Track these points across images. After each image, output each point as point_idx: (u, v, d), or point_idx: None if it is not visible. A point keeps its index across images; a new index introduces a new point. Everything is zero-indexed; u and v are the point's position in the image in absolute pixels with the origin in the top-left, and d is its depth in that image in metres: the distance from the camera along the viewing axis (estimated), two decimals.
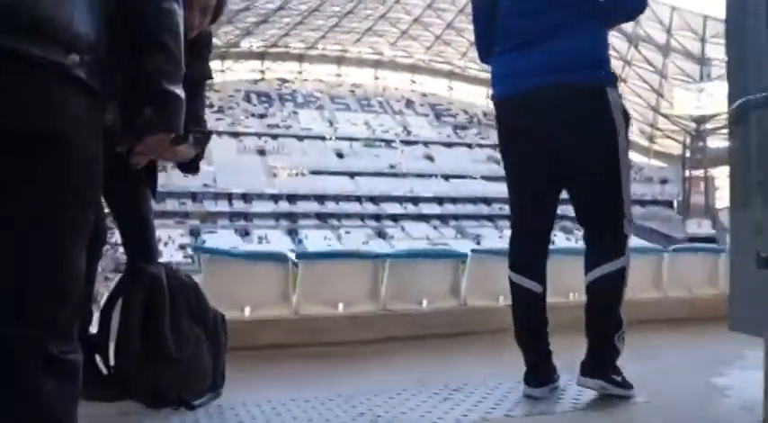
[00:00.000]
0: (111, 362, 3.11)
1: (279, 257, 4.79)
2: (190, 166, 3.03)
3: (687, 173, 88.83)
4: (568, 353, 3.20)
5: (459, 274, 5.38)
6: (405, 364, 4.20)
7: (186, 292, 3.14)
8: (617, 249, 3.12)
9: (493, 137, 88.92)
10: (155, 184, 3.13)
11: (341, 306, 4.86)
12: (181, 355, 3.00)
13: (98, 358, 3.04)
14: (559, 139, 3.14)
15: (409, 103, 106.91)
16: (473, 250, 5.41)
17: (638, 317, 3.81)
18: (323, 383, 3.55)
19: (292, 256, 5.32)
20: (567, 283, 4.96)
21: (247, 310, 4.57)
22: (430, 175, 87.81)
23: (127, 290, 3.12)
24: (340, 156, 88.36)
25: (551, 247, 3.83)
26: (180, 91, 1.68)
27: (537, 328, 3.23)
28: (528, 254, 3.37)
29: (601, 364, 3.03)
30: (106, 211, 3.41)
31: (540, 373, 3.17)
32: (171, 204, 72.12)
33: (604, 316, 3.10)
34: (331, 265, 5.05)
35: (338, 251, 5.22)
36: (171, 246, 65.44)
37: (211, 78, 3.22)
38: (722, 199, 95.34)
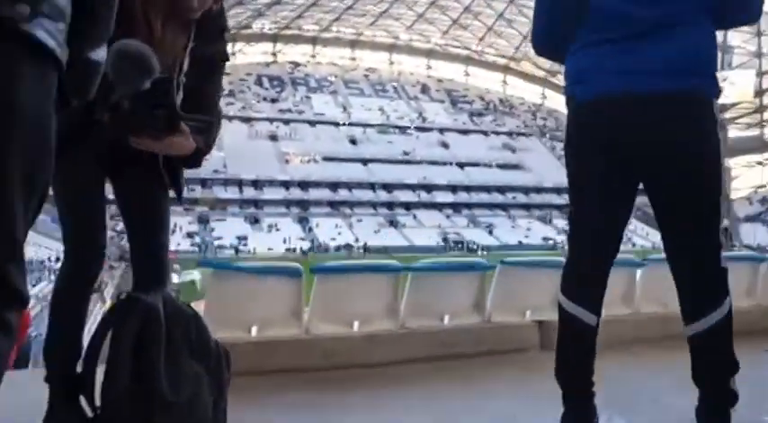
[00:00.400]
0: (98, 402, 2.68)
1: (291, 272, 4.40)
2: (192, 160, 2.61)
3: None
4: (602, 382, 2.84)
5: (484, 288, 4.98)
6: (424, 396, 3.79)
7: (186, 324, 2.73)
8: (721, 289, 2.63)
9: (509, 124, 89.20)
10: (178, 184, 2.81)
11: (356, 324, 4.48)
12: (178, 397, 2.59)
13: (82, 398, 2.61)
14: (659, 158, 2.61)
15: (425, 89, 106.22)
16: (502, 261, 4.99)
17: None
18: (333, 418, 3.30)
19: (304, 262, 4.94)
20: None
21: (254, 330, 4.18)
22: (444, 163, 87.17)
23: (118, 321, 2.68)
24: (353, 142, 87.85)
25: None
26: (95, 54, 1.55)
27: (584, 365, 2.81)
28: (587, 279, 2.84)
29: (720, 412, 2.63)
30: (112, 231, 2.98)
31: (579, 417, 2.76)
32: None
33: (716, 365, 2.67)
34: (348, 278, 4.66)
35: (356, 264, 4.84)
36: (178, 233, 65.23)
37: (227, 60, 2.87)
38: (737, 189, 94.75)
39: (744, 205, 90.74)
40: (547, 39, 2.86)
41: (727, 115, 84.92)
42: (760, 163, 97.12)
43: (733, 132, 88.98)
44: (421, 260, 5.08)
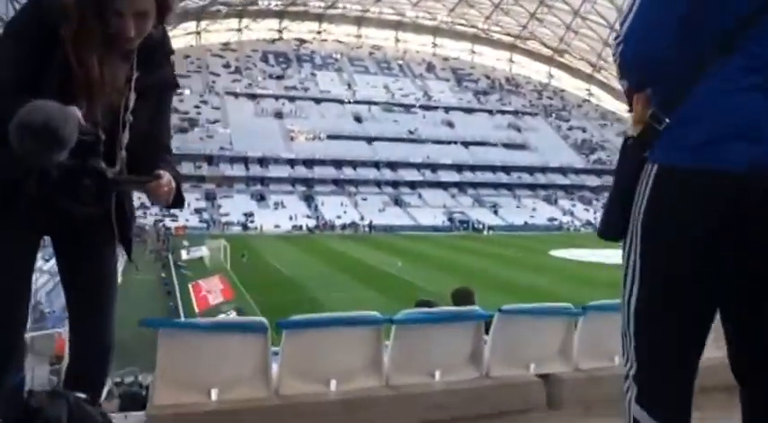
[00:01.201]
0: None
1: (255, 328, 3.89)
2: (176, 202, 2.37)
3: None
4: None
5: (480, 339, 4.25)
6: None
7: None
8: None
9: (515, 103, 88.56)
10: (128, 240, 2.46)
11: (333, 384, 3.83)
12: None
13: None
14: None
15: (430, 67, 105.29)
16: (500, 310, 4.45)
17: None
18: None
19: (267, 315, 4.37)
20: (608, 345, 4.17)
21: (214, 394, 3.57)
22: (449, 142, 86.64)
23: None
24: (358, 120, 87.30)
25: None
26: None
27: None
28: (670, 394, 2.14)
29: None
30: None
31: None
32: (186, 167, 71.59)
33: None
34: (320, 333, 3.94)
35: (330, 317, 4.27)
36: (186, 210, 65.13)
37: (177, 87, 2.56)
38: None
39: None
40: (659, 64, 1.88)
41: None
42: None
43: None
44: (409, 313, 4.31)
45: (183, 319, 26.00)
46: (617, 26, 2.12)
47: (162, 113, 2.50)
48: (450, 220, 72.41)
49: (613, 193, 2.09)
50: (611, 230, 2.15)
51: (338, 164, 78.29)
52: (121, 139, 2.27)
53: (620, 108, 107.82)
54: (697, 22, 1.80)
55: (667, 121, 1.84)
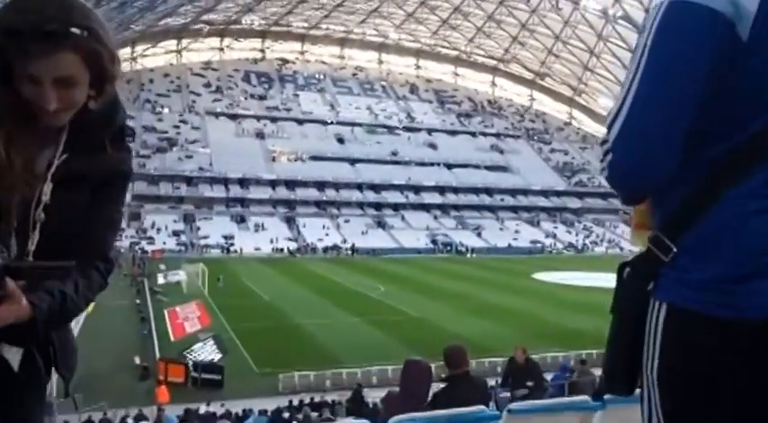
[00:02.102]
0: None
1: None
2: (26, 335, 1.58)
3: None
4: None
5: None
6: None
7: None
8: None
9: (497, 125, 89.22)
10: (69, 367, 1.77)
11: None
12: None
13: None
14: None
15: (413, 89, 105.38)
16: (509, 410, 3.74)
17: None
18: None
19: None
20: None
21: None
22: (432, 164, 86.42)
23: None
24: (341, 141, 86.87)
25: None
26: None
27: None
28: None
29: None
30: None
31: None
32: (164, 188, 70.71)
33: None
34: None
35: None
36: (164, 232, 64.24)
37: (125, 176, 1.81)
38: None
39: None
40: (661, 166, 1.37)
41: None
42: None
43: None
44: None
45: (156, 346, 25.20)
46: (612, 113, 1.51)
47: (98, 212, 1.77)
48: (434, 242, 71.94)
49: (616, 338, 1.49)
50: (617, 386, 1.52)
51: (320, 185, 77.64)
52: (29, 243, 1.64)
53: (601, 131, 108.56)
54: (709, 133, 1.37)
55: (674, 249, 1.40)
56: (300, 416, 15.19)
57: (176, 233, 64.99)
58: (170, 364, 22.12)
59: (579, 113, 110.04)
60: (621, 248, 78.72)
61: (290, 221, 72.18)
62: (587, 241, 78.91)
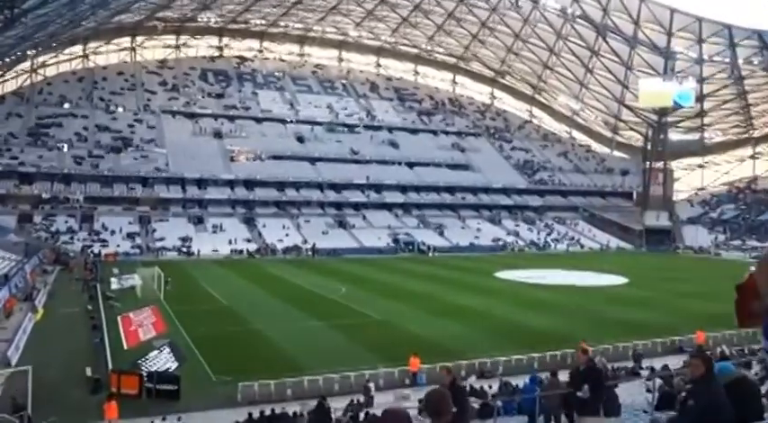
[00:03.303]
0: None
1: None
2: None
3: (647, 165, 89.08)
4: None
5: None
6: None
7: None
8: None
9: (458, 123, 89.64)
10: None
11: None
12: None
13: None
14: None
15: (374, 87, 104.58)
16: None
17: None
18: None
19: None
20: None
21: None
22: (393, 162, 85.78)
23: None
24: (300, 140, 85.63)
25: None
26: None
27: None
28: None
29: None
30: None
31: None
32: (118, 189, 68.71)
33: None
34: None
35: None
36: (118, 235, 62.34)
37: None
38: (679, 191, 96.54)
39: (685, 207, 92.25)
40: None
41: (669, 119, 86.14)
42: (700, 166, 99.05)
43: (675, 136, 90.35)
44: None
45: (108, 356, 24.05)
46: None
47: None
48: (395, 241, 71.35)
49: None
50: None
51: (280, 185, 76.40)
52: None
53: (561, 129, 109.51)
54: None
55: None
56: None
57: (131, 235, 63.23)
58: (123, 375, 21.02)
59: (539, 111, 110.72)
60: (582, 245, 79.29)
61: (249, 222, 70.87)
62: (549, 239, 79.17)
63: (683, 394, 8.92)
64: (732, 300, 2.83)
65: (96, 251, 57.57)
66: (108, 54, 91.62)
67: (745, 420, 4.36)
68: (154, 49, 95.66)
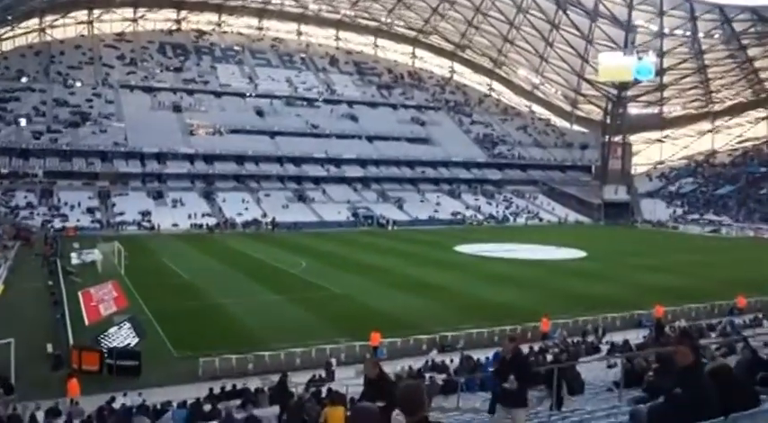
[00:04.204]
0: None
1: None
2: None
3: (606, 139, 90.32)
4: None
5: None
6: None
7: None
8: None
9: (418, 97, 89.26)
10: None
11: None
12: None
13: None
14: None
15: (333, 61, 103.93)
16: None
17: None
18: None
19: None
20: None
21: None
22: (353, 136, 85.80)
23: None
24: (260, 114, 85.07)
25: None
26: None
27: None
28: None
29: None
30: None
31: None
32: (78, 164, 67.71)
33: None
34: None
35: None
36: (77, 210, 61.63)
37: None
38: (638, 165, 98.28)
39: (644, 181, 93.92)
40: None
41: (629, 93, 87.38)
42: (659, 140, 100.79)
43: (634, 110, 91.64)
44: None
45: (69, 332, 24.11)
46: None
47: None
48: (355, 215, 71.74)
49: None
50: None
51: (239, 159, 75.97)
52: None
53: (520, 103, 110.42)
54: None
55: None
56: (222, 407, 14.72)
57: (91, 210, 62.61)
58: (84, 351, 21.19)
59: (499, 85, 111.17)
60: (541, 219, 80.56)
61: (208, 196, 70.55)
62: (507, 212, 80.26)
63: (651, 374, 9.14)
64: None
65: (56, 226, 56.96)
66: (65, 28, 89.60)
67: (729, 409, 4.46)
68: (111, 23, 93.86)
